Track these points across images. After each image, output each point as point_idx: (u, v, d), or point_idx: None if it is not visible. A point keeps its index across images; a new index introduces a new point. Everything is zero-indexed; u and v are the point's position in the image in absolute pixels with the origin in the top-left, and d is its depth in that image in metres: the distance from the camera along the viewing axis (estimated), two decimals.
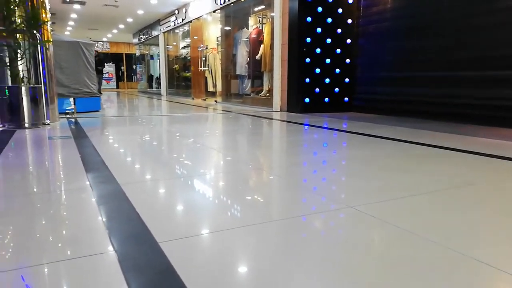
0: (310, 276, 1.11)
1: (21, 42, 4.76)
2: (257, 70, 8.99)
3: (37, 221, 1.60)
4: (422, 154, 3.13)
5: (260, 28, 9.10)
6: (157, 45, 16.60)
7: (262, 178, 2.41)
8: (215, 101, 10.92)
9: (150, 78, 20.02)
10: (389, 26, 6.41)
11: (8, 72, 4.78)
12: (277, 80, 7.35)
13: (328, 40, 6.87)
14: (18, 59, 4.74)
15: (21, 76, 4.80)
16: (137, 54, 21.96)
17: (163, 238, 1.36)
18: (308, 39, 6.70)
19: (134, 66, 23.80)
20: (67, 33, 18.72)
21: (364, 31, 6.96)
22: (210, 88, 12.14)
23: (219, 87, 11.46)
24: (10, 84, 4.75)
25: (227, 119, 6.24)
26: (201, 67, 12.18)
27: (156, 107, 9.63)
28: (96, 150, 3.19)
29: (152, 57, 19.75)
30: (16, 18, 4.71)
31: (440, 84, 5.49)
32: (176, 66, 15.09)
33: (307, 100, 6.86)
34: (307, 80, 6.81)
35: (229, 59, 10.30)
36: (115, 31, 19.42)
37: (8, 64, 4.72)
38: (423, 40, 5.71)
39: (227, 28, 10.41)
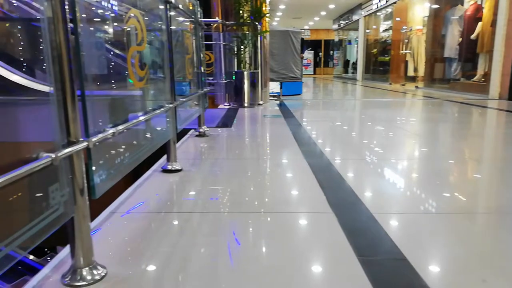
0: None
1: (246, 33, 5.61)
2: (470, 51, 7.90)
3: (265, 181, 1.96)
4: None
5: (480, 3, 7.91)
6: (356, 29, 16.53)
7: (465, 172, 2.22)
8: (416, 86, 10.21)
9: (346, 63, 20.18)
10: None
11: (235, 60, 5.74)
12: (498, 62, 6.31)
13: None
14: (244, 48, 5.61)
15: (244, 63, 5.68)
16: (335, 39, 22.41)
17: (376, 210, 1.47)
18: None
19: (331, 52, 24.41)
20: (274, 23, 20.71)
21: None
22: (410, 73, 11.38)
23: (420, 72, 10.62)
24: (236, 70, 5.70)
25: (429, 106, 5.80)
26: (402, 50, 11.53)
27: (351, 92, 9.73)
28: (303, 128, 3.54)
29: (349, 42, 19.81)
30: (244, 13, 5.56)
31: None
32: (374, 50, 14.73)
33: None
34: None
35: (436, 41, 9.39)
36: (316, 18, 20.30)
37: (235, 52, 5.66)
38: None
39: (437, 6, 9.47)
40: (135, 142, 1.53)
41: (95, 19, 1.19)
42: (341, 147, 2.87)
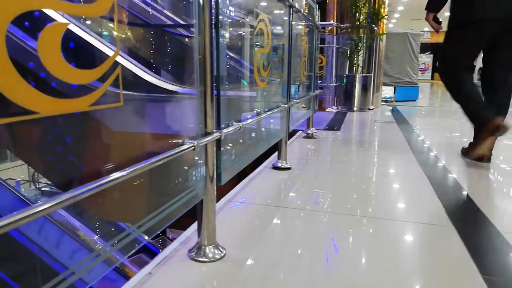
0: None
1: (361, 36, 5.48)
2: None
3: (375, 187, 1.91)
4: None
5: None
6: None
7: None
8: None
9: None
10: None
11: (347, 63, 5.65)
12: None
13: None
14: (358, 51, 5.49)
15: (357, 66, 5.56)
16: None
17: (504, 229, 1.33)
18: None
19: None
20: (390, 25, 19.65)
21: None
22: None
23: None
24: (347, 73, 5.61)
25: None
26: None
27: None
28: (418, 136, 3.33)
29: None
30: (361, 15, 5.43)
31: None
32: None
33: None
34: None
35: None
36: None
37: (348, 56, 5.57)
38: None
39: None
40: (254, 138, 1.64)
41: (231, 26, 1.32)
42: (462, 159, 2.63)
